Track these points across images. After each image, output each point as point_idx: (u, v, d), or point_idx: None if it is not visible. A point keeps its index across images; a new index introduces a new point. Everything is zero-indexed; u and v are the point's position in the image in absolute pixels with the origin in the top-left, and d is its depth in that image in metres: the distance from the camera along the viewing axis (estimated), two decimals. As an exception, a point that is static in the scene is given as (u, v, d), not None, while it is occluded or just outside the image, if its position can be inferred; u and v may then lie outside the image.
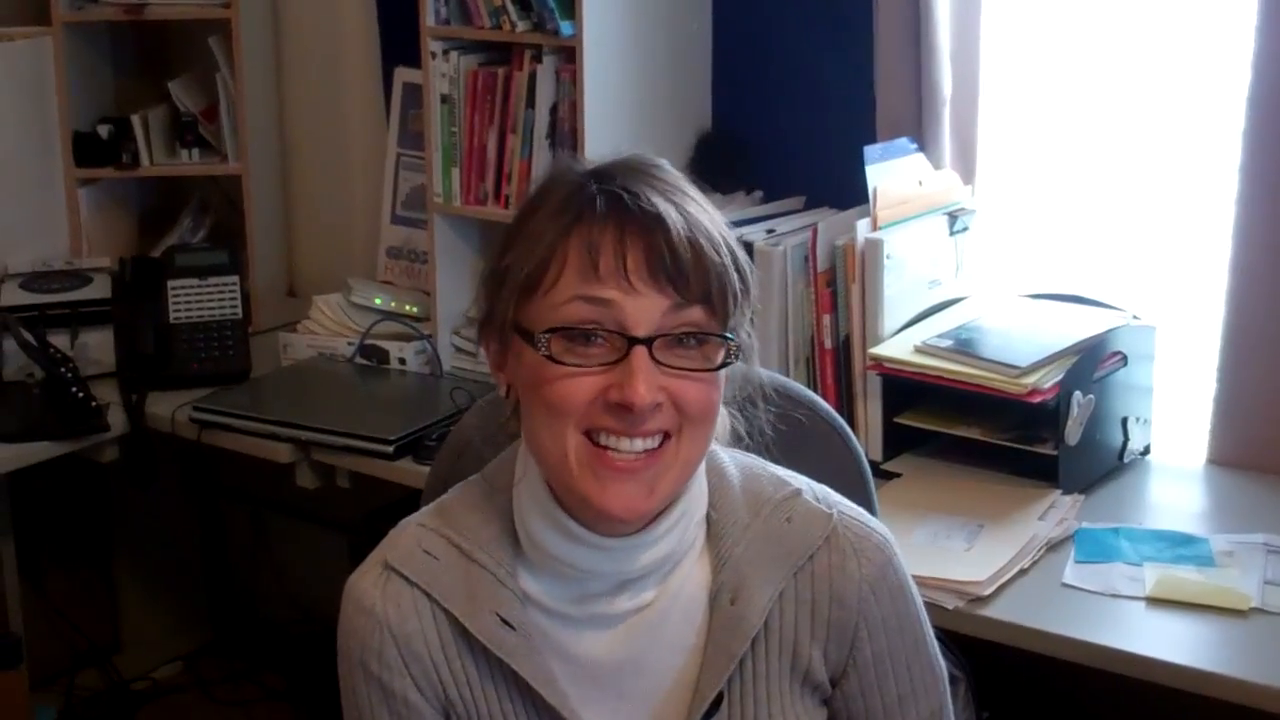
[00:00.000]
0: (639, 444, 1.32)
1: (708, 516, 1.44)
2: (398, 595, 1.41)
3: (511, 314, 1.36)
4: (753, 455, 1.51)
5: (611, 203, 1.33)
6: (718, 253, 1.33)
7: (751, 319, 1.41)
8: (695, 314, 1.32)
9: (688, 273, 1.31)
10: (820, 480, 1.50)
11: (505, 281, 1.37)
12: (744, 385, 1.48)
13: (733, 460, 1.48)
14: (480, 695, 1.41)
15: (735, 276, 1.35)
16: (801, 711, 1.44)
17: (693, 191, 1.38)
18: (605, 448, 1.33)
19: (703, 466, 1.43)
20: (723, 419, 1.49)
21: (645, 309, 1.30)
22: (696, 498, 1.42)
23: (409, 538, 1.45)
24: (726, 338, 1.34)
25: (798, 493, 1.46)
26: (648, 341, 1.30)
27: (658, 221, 1.31)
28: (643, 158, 1.40)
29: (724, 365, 1.35)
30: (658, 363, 1.31)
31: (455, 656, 1.41)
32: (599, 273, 1.31)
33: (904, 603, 1.46)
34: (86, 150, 3.28)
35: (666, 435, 1.33)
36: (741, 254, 1.38)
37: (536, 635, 1.41)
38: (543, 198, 1.38)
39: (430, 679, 1.41)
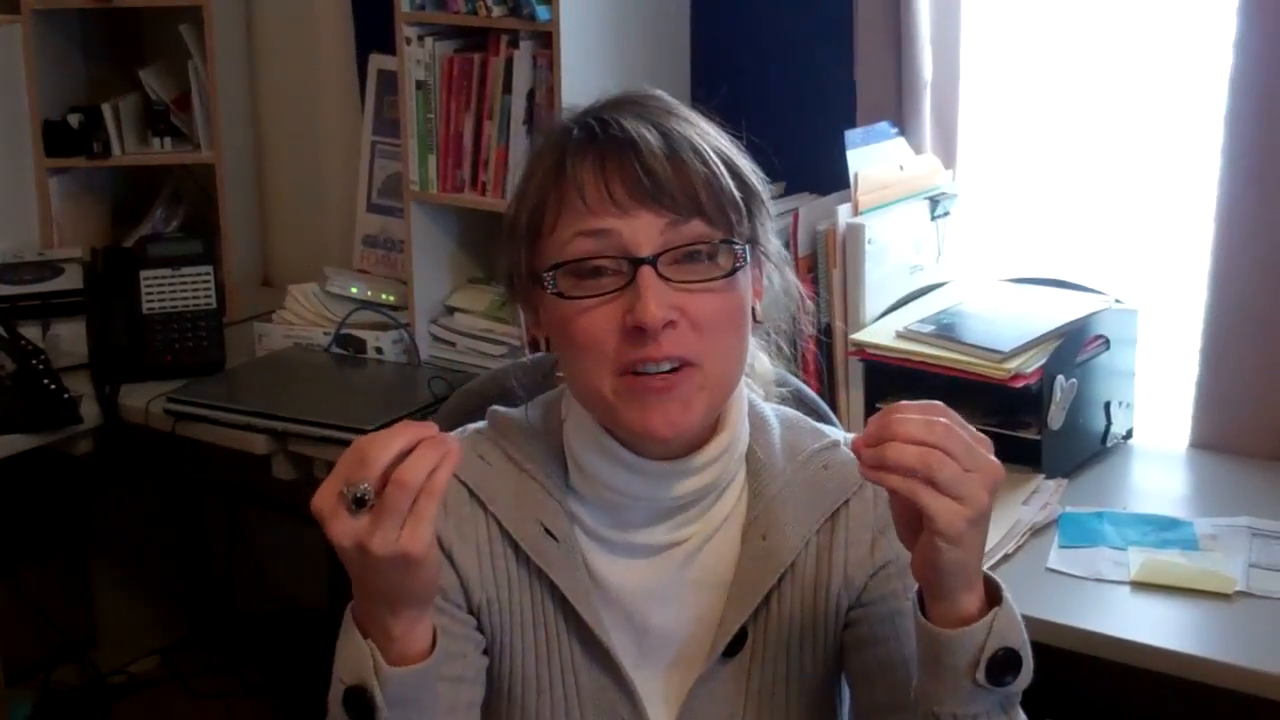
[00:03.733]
0: (665, 365, 1.33)
1: (750, 454, 1.46)
2: (456, 487, 1.42)
3: (524, 265, 1.39)
4: (794, 410, 1.54)
5: (588, 136, 1.36)
6: (705, 164, 1.34)
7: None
8: (696, 228, 1.34)
9: (670, 188, 1.32)
10: None
11: (514, 235, 1.40)
12: (787, 300, 1.49)
13: (774, 411, 1.51)
14: (516, 601, 1.43)
15: (732, 184, 1.36)
16: (820, 659, 1.45)
17: (684, 112, 1.40)
18: (638, 374, 1.33)
19: (745, 404, 1.45)
20: (763, 361, 1.53)
21: (642, 229, 1.32)
22: (740, 432, 1.44)
23: (466, 442, 1.45)
24: (731, 243, 1.35)
25: (835, 444, 1.49)
26: (651, 260, 1.32)
27: (630, 144, 1.33)
28: (635, 89, 1.42)
29: (734, 271, 1.35)
30: (667, 280, 1.32)
31: (500, 555, 1.42)
32: (589, 205, 1.33)
33: None
34: (57, 139, 3.25)
35: (689, 364, 1.34)
36: (745, 164, 1.40)
37: (578, 552, 1.43)
38: (537, 147, 1.42)
39: (471, 566, 1.42)
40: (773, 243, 1.44)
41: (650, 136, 1.34)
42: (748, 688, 1.45)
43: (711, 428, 1.41)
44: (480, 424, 1.50)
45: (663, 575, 1.43)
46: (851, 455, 1.44)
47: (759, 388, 1.53)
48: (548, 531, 1.41)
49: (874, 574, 1.45)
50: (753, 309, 1.42)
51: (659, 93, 1.43)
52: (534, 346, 1.45)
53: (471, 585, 1.42)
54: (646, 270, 1.31)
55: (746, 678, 1.44)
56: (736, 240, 1.36)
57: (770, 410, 1.50)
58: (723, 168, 1.36)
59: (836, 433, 1.52)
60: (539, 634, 1.43)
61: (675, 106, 1.41)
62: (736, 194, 1.37)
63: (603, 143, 1.35)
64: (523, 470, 1.44)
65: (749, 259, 1.38)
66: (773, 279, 1.46)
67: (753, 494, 1.45)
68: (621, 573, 1.43)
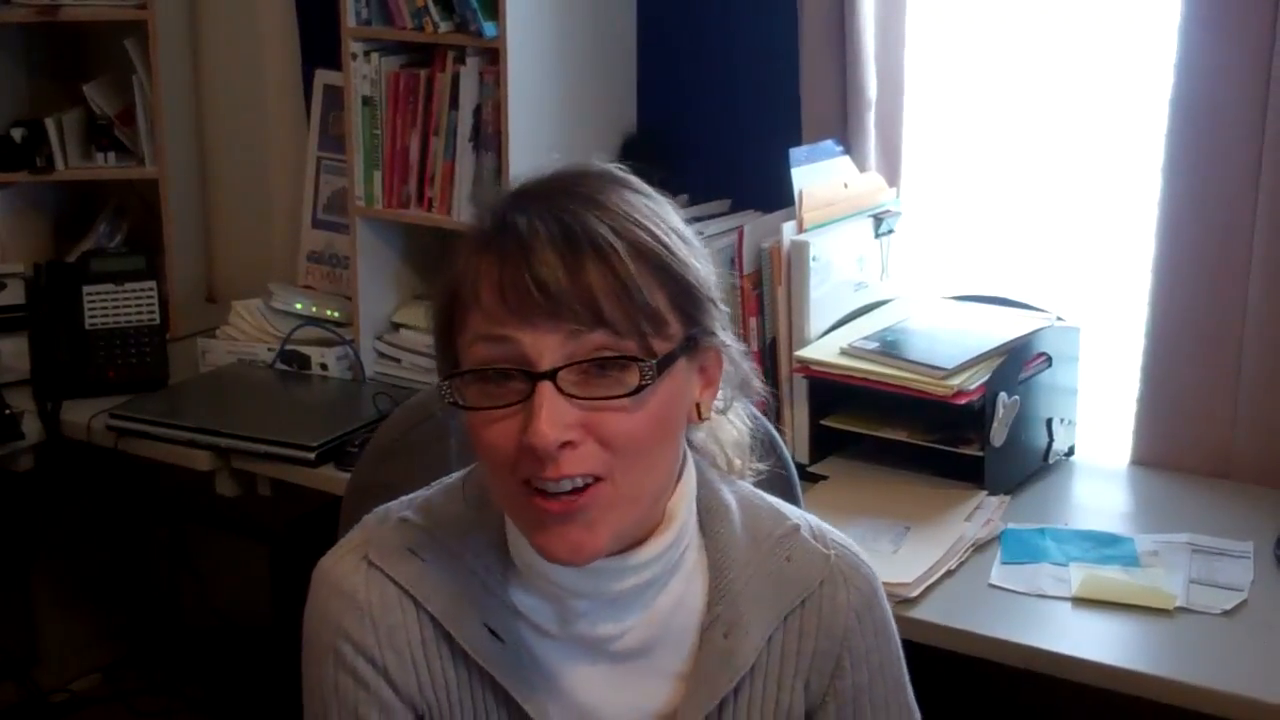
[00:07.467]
0: (565, 483, 1.22)
1: (707, 538, 1.38)
2: (382, 588, 1.33)
3: (439, 358, 1.30)
4: (748, 485, 1.44)
5: (496, 230, 1.24)
6: (611, 270, 1.21)
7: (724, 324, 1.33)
8: (599, 338, 1.21)
9: (565, 299, 1.19)
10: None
11: (434, 325, 1.31)
12: (744, 387, 1.39)
13: (731, 491, 1.41)
14: (456, 704, 1.34)
15: (648, 290, 1.23)
16: None
17: (616, 197, 1.26)
18: (538, 489, 1.23)
19: (692, 495, 1.36)
20: (734, 432, 1.43)
21: (543, 340, 1.20)
22: (685, 525, 1.35)
23: (393, 533, 1.36)
24: (637, 359, 1.22)
25: (796, 529, 1.40)
26: (550, 375, 1.20)
27: (523, 248, 1.21)
28: (569, 168, 1.30)
29: (640, 389, 1.22)
30: (570, 396, 1.21)
31: (436, 657, 1.33)
32: (485, 310, 1.22)
33: (886, 639, 1.42)
34: (-1, 154, 3.23)
35: (597, 479, 1.23)
36: (683, 259, 1.26)
37: (524, 650, 1.34)
38: (466, 226, 1.30)
39: (408, 677, 1.33)
40: (720, 332, 1.31)
41: (547, 237, 1.21)
42: None
43: (655, 523, 1.32)
44: (404, 506, 1.39)
45: (613, 668, 1.35)
46: (813, 544, 1.40)
47: (730, 461, 1.43)
48: (493, 633, 1.32)
49: (835, 672, 1.39)
50: (698, 406, 1.31)
51: (598, 170, 1.29)
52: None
53: (412, 697, 1.33)
54: (544, 386, 1.19)
55: None
56: (642, 357, 1.22)
57: (728, 493, 1.40)
58: (642, 269, 1.22)
59: (794, 513, 1.43)
60: None
61: (607, 188, 1.27)
62: (654, 302, 1.23)
63: (500, 242, 1.22)
64: (462, 563, 1.33)
65: (657, 377, 1.22)
66: (730, 366, 1.35)
67: (715, 587, 1.36)
68: (571, 668, 1.35)
